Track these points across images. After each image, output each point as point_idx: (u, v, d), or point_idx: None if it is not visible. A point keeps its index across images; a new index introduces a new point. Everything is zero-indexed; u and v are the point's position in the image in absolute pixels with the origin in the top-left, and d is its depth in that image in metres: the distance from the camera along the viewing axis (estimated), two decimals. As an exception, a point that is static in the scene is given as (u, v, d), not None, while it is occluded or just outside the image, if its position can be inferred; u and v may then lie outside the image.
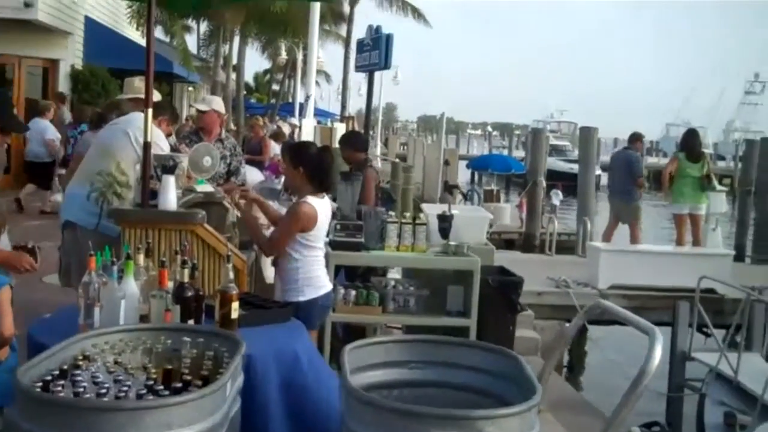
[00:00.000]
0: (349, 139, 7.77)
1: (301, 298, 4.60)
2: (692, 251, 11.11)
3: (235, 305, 3.57)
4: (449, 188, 18.90)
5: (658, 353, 2.71)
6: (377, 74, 11.89)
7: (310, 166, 4.63)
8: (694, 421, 7.97)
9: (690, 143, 12.35)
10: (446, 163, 21.49)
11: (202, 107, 6.95)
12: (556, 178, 24.00)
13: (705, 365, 8.65)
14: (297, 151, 4.81)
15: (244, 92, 36.80)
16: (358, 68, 11.08)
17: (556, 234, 14.41)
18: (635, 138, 13.70)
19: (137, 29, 22.49)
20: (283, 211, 5.00)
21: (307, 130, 13.03)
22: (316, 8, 16.04)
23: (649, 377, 2.69)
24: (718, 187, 13.09)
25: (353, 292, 5.63)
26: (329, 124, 25.74)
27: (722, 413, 7.33)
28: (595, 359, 10.94)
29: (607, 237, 12.89)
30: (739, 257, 14.58)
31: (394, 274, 6.20)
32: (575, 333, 3.46)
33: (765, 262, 14.70)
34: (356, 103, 51.87)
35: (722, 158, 59.37)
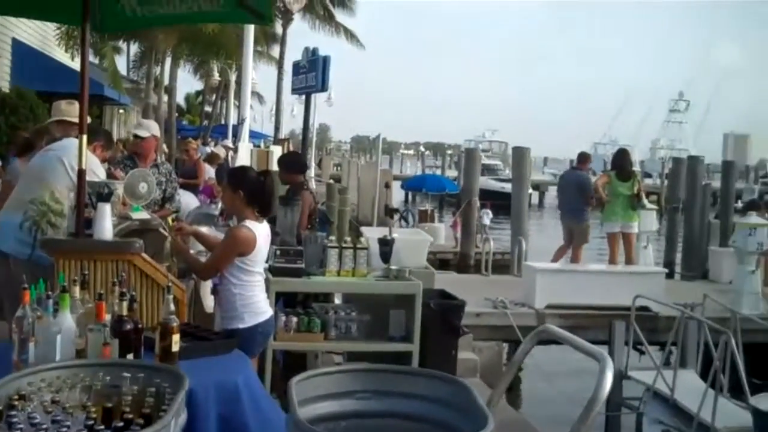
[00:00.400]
0: (288, 160, 7.71)
1: (241, 325, 4.53)
2: (626, 270, 11.30)
3: (176, 338, 3.48)
4: (390, 212, 18.88)
5: (609, 380, 2.72)
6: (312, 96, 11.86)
7: (250, 189, 4.59)
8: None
9: (620, 162, 12.57)
10: (386, 186, 21.49)
11: (143, 133, 6.83)
12: (488, 197, 24.21)
13: (641, 384, 8.77)
14: (236, 175, 4.80)
15: (176, 114, 36.36)
16: (294, 90, 11.02)
17: (491, 255, 14.49)
18: (584, 158, 13.95)
19: (66, 51, 22.05)
20: (221, 236, 4.93)
21: (244, 153, 12.91)
22: (251, 30, 15.94)
23: (600, 404, 2.69)
24: (648, 206, 13.36)
25: (294, 319, 5.56)
26: (263, 146, 25.56)
27: (660, 431, 7.42)
28: (530, 376, 11.00)
29: (557, 257, 13.05)
30: (669, 274, 14.88)
31: (335, 300, 6.14)
32: (524, 358, 3.45)
33: (694, 278, 15.05)
34: (289, 125, 51.67)
35: (649, 176, 60.79)
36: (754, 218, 11.10)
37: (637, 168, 71.75)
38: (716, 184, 21.84)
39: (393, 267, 5.74)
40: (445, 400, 3.01)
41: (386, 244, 5.81)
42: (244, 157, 12.76)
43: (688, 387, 8.38)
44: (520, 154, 16.11)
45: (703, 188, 18.57)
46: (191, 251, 4.96)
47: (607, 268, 11.52)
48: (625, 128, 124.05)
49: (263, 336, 4.74)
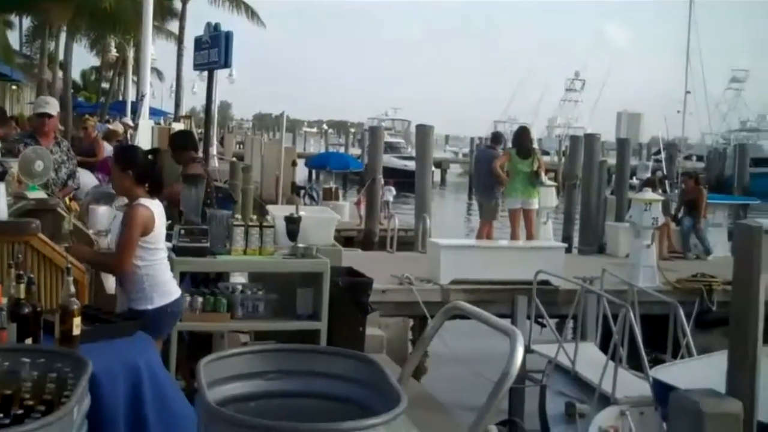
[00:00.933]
0: (179, 139, 7.49)
1: (149, 306, 4.43)
2: (528, 245, 11.52)
3: (77, 321, 3.37)
4: (296, 189, 18.73)
5: (520, 355, 2.75)
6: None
7: (139, 168, 4.51)
8: (537, 413, 8.24)
9: (520, 140, 12.72)
10: (293, 163, 21.31)
11: (51, 110, 6.59)
12: (391, 175, 24.35)
13: (544, 356, 8.98)
14: (125, 154, 4.82)
15: (72, 90, 35.16)
16: (196, 66, 10.75)
17: (396, 231, 14.57)
18: (497, 138, 14.13)
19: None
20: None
21: (144, 131, 12.56)
22: (149, 4, 15.50)
23: (512, 379, 2.72)
24: (548, 182, 13.63)
25: (200, 299, 5.45)
26: (163, 123, 24.98)
27: (563, 403, 7.60)
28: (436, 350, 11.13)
29: (480, 234, 13.13)
30: (567, 249, 15.25)
31: (241, 279, 6.05)
32: (434, 334, 3.46)
33: (591, 252, 15.47)
34: (189, 102, 50.64)
35: (546, 153, 61.86)
36: (649, 194, 11.47)
37: (535, 146, 72.96)
38: (611, 161, 22.47)
39: (300, 245, 5.69)
40: (356, 378, 3.00)
41: (293, 222, 5.76)
42: (145, 135, 12.42)
43: (589, 359, 8.62)
44: (423, 132, 16.21)
45: (599, 165, 19.07)
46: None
47: (510, 244, 11.73)
48: (523, 107, 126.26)
49: (173, 316, 4.65)
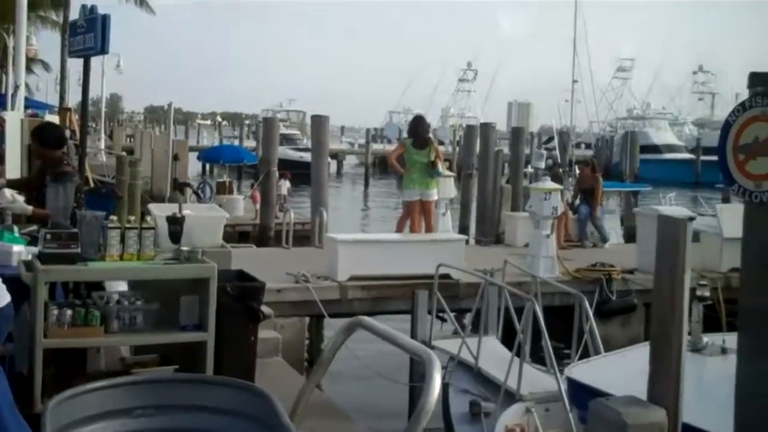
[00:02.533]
0: (42, 133, 6.66)
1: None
2: (427, 238, 11.24)
3: None
4: (179, 186, 17.87)
5: (437, 385, 2.37)
6: (98, 62, 10.86)
7: None
8: (440, 412, 7.94)
9: (416, 130, 12.44)
10: (175, 158, 20.40)
11: None
12: (287, 167, 23.83)
13: (446, 353, 8.71)
14: None
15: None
16: (72, 53, 9.94)
17: (292, 226, 14.07)
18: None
19: None
20: None
21: (13, 124, 11.69)
22: (25, -8, 14.52)
23: (429, 415, 2.33)
24: (446, 173, 13.39)
25: (69, 312, 4.87)
26: (48, 115, 23.71)
27: (467, 402, 7.32)
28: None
29: (400, 227, 12.80)
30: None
31: (120, 286, 5.48)
32: (334, 354, 3.05)
33: (488, 243, 15.37)
34: (76, 94, 48.67)
35: (441, 143, 62.33)
36: (548, 183, 11.35)
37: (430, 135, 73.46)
38: (503, 150, 22.54)
39: (184, 248, 5.17)
40: (241, 411, 2.56)
41: (176, 223, 5.23)
42: (14, 128, 11.56)
43: (491, 354, 8.38)
44: (319, 122, 15.73)
45: (495, 155, 19.04)
46: None
47: (408, 238, 11.42)
48: (418, 97, 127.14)
49: (6, 320, 4.04)
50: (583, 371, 5.36)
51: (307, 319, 9.97)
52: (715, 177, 43.79)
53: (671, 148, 62.40)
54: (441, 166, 12.20)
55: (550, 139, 62.25)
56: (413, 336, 9.54)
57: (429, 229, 12.08)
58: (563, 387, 7.06)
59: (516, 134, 21.45)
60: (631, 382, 5.24)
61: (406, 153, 12.12)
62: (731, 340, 6.37)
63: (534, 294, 8.50)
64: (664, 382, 3.83)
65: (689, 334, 6.44)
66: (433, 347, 9.09)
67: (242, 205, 20.54)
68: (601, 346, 7.48)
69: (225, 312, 5.08)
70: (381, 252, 10.21)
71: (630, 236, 19.85)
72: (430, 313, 9.36)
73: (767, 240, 3.01)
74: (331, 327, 9.69)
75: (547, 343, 7.38)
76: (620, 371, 5.48)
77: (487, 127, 19.74)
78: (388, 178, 55.73)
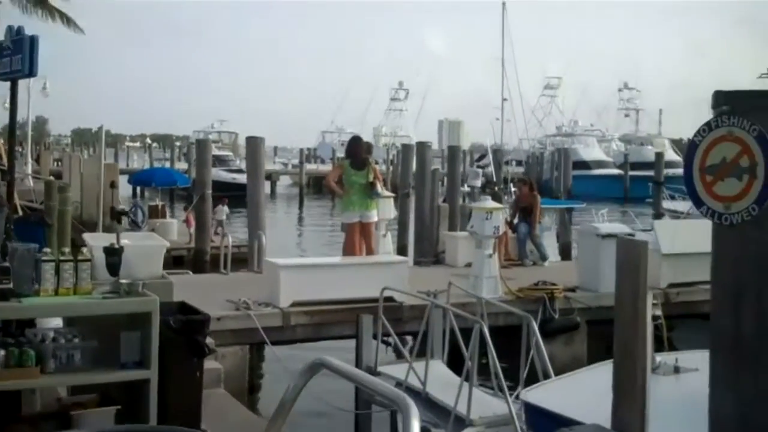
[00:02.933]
0: None
1: None
2: (370, 261, 11.08)
3: None
4: (117, 215, 17.27)
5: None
6: (24, 84, 10.44)
7: None
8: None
9: (354, 150, 12.27)
10: (112, 185, 19.78)
11: None
12: (220, 188, 23.45)
13: (393, 379, 8.55)
14: None
15: None
16: (-3, 76, 9.54)
17: (230, 250, 13.75)
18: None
19: None
20: None
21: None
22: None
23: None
24: (385, 193, 13.27)
25: (2, 352, 4.57)
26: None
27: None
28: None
29: (349, 250, 12.52)
30: (406, 262, 14.99)
31: (56, 322, 5.18)
32: (295, 398, 2.86)
33: (427, 264, 15.27)
34: (3, 118, 47.38)
35: (375, 162, 62.38)
36: (490, 202, 11.31)
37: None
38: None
39: (123, 280, 4.92)
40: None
41: (114, 254, 4.97)
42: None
43: (439, 378, 8.25)
44: (254, 144, 15.48)
45: (432, 173, 19.02)
46: None
47: (351, 261, 11.22)
48: (351, 117, 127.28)
49: None
50: (539, 395, 5.26)
51: (248, 347, 9.71)
52: (642, 192, 44.86)
53: (600, 164, 63.60)
54: (380, 187, 12.04)
55: (482, 156, 62.97)
56: (358, 361, 9.36)
57: (369, 251, 11.88)
58: (514, 410, 7.00)
59: (452, 153, 21.49)
60: (589, 405, 5.16)
61: (345, 174, 11.93)
62: (683, 359, 6.37)
63: (480, 315, 8.43)
64: (629, 408, 3.75)
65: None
66: (378, 373, 8.94)
67: (176, 229, 20.13)
68: (550, 368, 7.40)
69: (168, 347, 4.83)
70: (323, 276, 10.02)
71: (565, 253, 20.09)
72: (375, 337, 9.19)
73: (739, 263, 2.93)
74: (274, 355, 9.46)
75: (496, 366, 7.29)
76: (577, 394, 5.40)
77: (423, 146, 19.72)
78: (323, 198, 55.53)
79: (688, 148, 3.15)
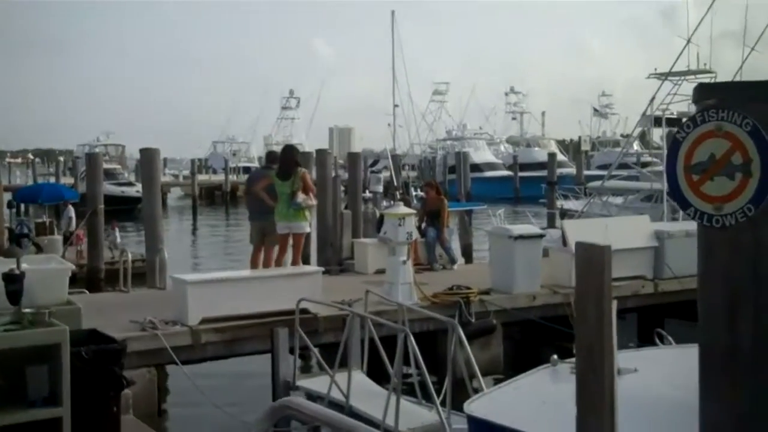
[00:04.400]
0: None
1: None
2: (283, 272, 10.67)
3: None
4: (16, 238, 16.13)
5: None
6: None
7: None
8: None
9: (281, 160, 12.09)
10: (10, 206, 18.59)
11: None
12: (109, 202, 22.50)
13: (313, 393, 8.19)
14: None
15: None
16: None
17: (130, 266, 13.06)
18: (273, 157, 13.14)
19: None
20: None
21: None
22: None
23: None
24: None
25: None
26: None
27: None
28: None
29: (255, 262, 12.20)
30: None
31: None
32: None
33: (335, 272, 14.93)
34: None
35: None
36: (402, 208, 11.07)
37: (256, 164, 72.78)
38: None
39: (26, 309, 4.40)
40: None
41: (14, 281, 4.45)
42: None
43: (361, 390, 7.96)
44: (149, 156, 14.83)
45: (333, 180, 18.71)
46: None
47: (262, 273, 10.76)
48: (243, 126, 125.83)
49: None
50: (483, 406, 4.99)
51: (155, 369, 9.17)
52: (532, 192, 45.63)
53: (491, 166, 64.73)
54: (300, 197, 11.65)
55: (375, 162, 63.10)
56: (275, 377, 8.96)
57: (295, 262, 11.73)
58: (444, 420, 6.76)
59: (353, 160, 21.24)
60: (537, 415, 4.96)
61: (274, 184, 11.73)
62: (620, 359, 6.24)
63: (401, 321, 8.17)
64: (597, 420, 3.50)
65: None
66: (297, 387, 8.57)
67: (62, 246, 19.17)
68: (480, 375, 7.21)
69: (81, 381, 4.35)
70: (234, 290, 9.54)
71: (467, 255, 20.10)
72: (291, 351, 8.81)
73: (733, 269, 2.70)
74: (185, 375, 8.95)
75: (425, 375, 7.04)
76: (522, 403, 5.17)
77: (323, 153, 19.41)
78: (217, 209, 54.48)
79: (671, 146, 2.90)
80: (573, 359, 6.35)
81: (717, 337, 2.76)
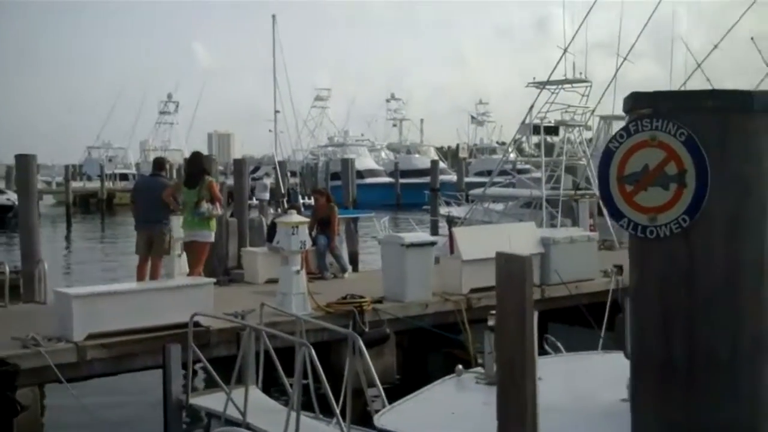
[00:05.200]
0: None
1: None
2: (173, 284, 10.37)
3: None
4: None
5: None
6: None
7: None
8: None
9: (187, 167, 12.04)
10: None
11: None
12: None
13: (209, 411, 7.95)
14: None
15: None
16: None
17: (8, 279, 12.40)
18: (160, 163, 12.68)
19: None
20: None
21: None
22: None
23: None
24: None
25: None
26: None
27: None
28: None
29: (141, 273, 11.81)
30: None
31: None
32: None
33: (224, 282, 14.60)
34: None
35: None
36: (296, 217, 10.92)
37: (133, 171, 70.93)
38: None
39: None
40: None
41: None
42: None
43: (257, 406, 7.75)
44: (25, 162, 14.13)
45: (219, 187, 18.29)
46: None
47: (152, 286, 10.41)
48: (119, 131, 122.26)
49: None
50: (394, 419, 4.96)
51: (38, 389, 8.72)
52: (414, 198, 46.07)
53: (372, 172, 65.11)
54: (204, 206, 11.42)
55: (257, 168, 62.37)
56: (167, 394, 8.65)
57: (192, 272, 11.58)
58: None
59: (238, 167, 20.89)
60: (448, 425, 4.96)
61: (182, 192, 11.62)
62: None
63: (299, 333, 8.04)
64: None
65: (482, 366, 6.32)
66: (190, 406, 8.31)
67: None
68: (380, 386, 7.17)
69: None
70: (122, 304, 9.18)
71: (353, 263, 20.05)
72: (185, 367, 8.53)
73: (667, 281, 2.71)
74: (70, 393, 8.55)
75: (327, 390, 6.92)
76: (432, 415, 5.16)
77: (208, 160, 18.97)
78: (92, 218, 52.68)
79: (603, 156, 2.89)
80: (477, 369, 6.42)
81: (650, 350, 2.79)
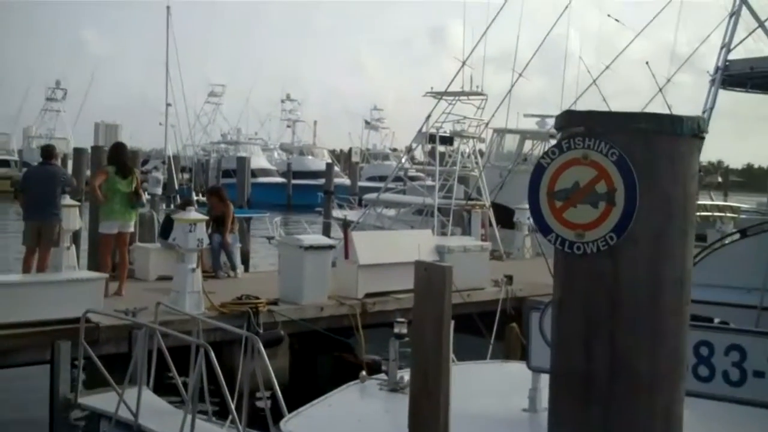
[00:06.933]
0: None
1: None
2: (63, 278, 9.97)
3: None
4: None
5: None
6: None
7: None
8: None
9: (119, 157, 11.68)
10: None
11: None
12: None
13: (100, 412, 7.71)
14: None
15: None
16: None
17: None
18: (50, 152, 12.16)
19: None
20: None
21: None
22: None
23: None
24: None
25: None
26: None
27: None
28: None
29: (28, 265, 11.41)
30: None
31: None
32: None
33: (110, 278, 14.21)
34: None
35: (27, 165, 58.04)
36: (193, 214, 10.72)
37: (15, 158, 68.19)
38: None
39: None
40: None
41: None
42: None
43: (148, 407, 7.56)
44: None
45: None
46: None
47: (40, 278, 10.00)
48: (4, 116, 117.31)
49: None
50: (301, 425, 4.91)
51: None
52: (305, 200, 45.86)
53: (265, 172, 64.49)
54: (144, 197, 11.43)
55: (146, 161, 60.83)
56: (53, 392, 8.33)
57: (124, 263, 11.66)
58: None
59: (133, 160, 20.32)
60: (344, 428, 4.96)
61: (109, 181, 11.38)
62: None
63: (197, 335, 7.88)
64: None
65: (386, 373, 6.33)
66: (79, 405, 8.04)
67: None
68: (278, 388, 7.12)
69: None
70: (7, 296, 8.81)
71: (244, 263, 19.80)
72: (75, 365, 8.23)
73: (590, 297, 2.78)
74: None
75: (225, 392, 6.82)
76: (338, 421, 5.15)
77: (99, 150, 18.43)
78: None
79: (535, 171, 2.94)
80: (379, 375, 6.43)
81: (571, 364, 2.85)
